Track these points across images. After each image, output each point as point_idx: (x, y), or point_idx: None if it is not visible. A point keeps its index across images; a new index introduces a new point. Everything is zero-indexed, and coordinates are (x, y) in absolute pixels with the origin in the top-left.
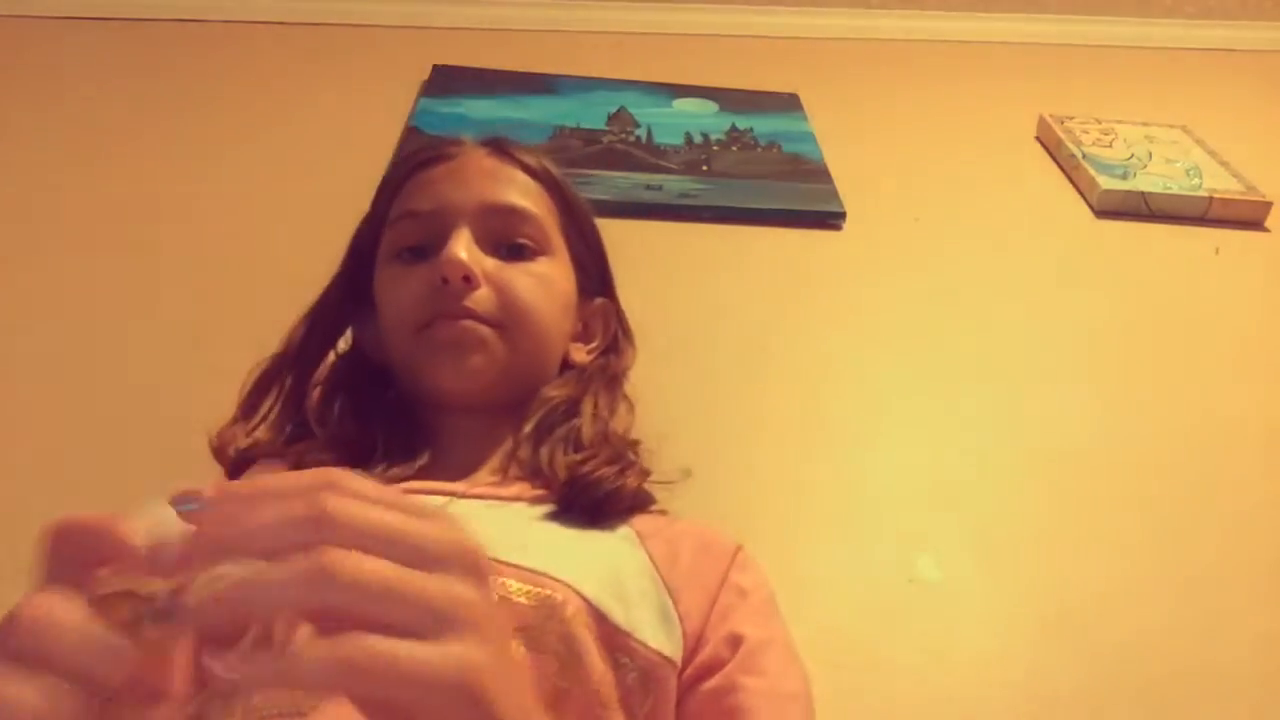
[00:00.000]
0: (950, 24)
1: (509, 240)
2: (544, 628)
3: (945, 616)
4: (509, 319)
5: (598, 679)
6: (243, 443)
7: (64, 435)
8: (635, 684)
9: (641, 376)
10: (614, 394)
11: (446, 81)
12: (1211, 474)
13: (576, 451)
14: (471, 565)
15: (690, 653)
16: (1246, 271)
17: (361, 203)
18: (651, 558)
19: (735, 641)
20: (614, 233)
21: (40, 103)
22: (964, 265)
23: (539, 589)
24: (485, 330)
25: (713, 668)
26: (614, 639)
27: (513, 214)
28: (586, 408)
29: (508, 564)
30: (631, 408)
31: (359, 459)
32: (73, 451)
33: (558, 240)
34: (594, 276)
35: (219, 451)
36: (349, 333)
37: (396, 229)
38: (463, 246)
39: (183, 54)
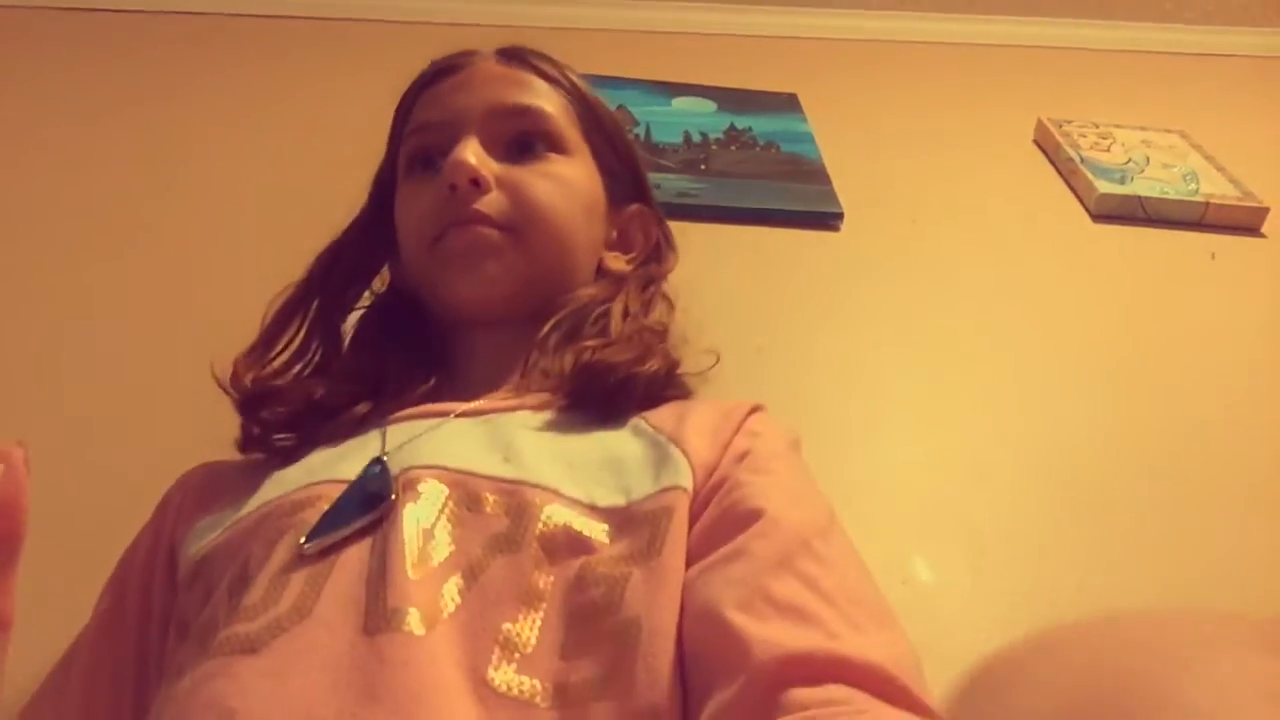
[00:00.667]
0: (949, 26)
1: (521, 142)
2: (519, 533)
3: (938, 618)
4: (523, 220)
5: (579, 568)
6: (259, 372)
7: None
8: (616, 544)
9: None
10: (649, 293)
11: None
12: (1207, 477)
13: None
14: None
15: (704, 478)
16: (1243, 277)
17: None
18: (656, 429)
19: (742, 456)
20: None
21: (35, 92)
22: (961, 267)
23: (513, 499)
24: (498, 235)
25: (720, 483)
26: (601, 518)
27: (523, 114)
28: (617, 308)
29: (485, 477)
30: (671, 306)
31: (374, 389)
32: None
33: (577, 141)
34: (626, 183)
35: (234, 380)
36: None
37: (408, 144)
38: (469, 151)
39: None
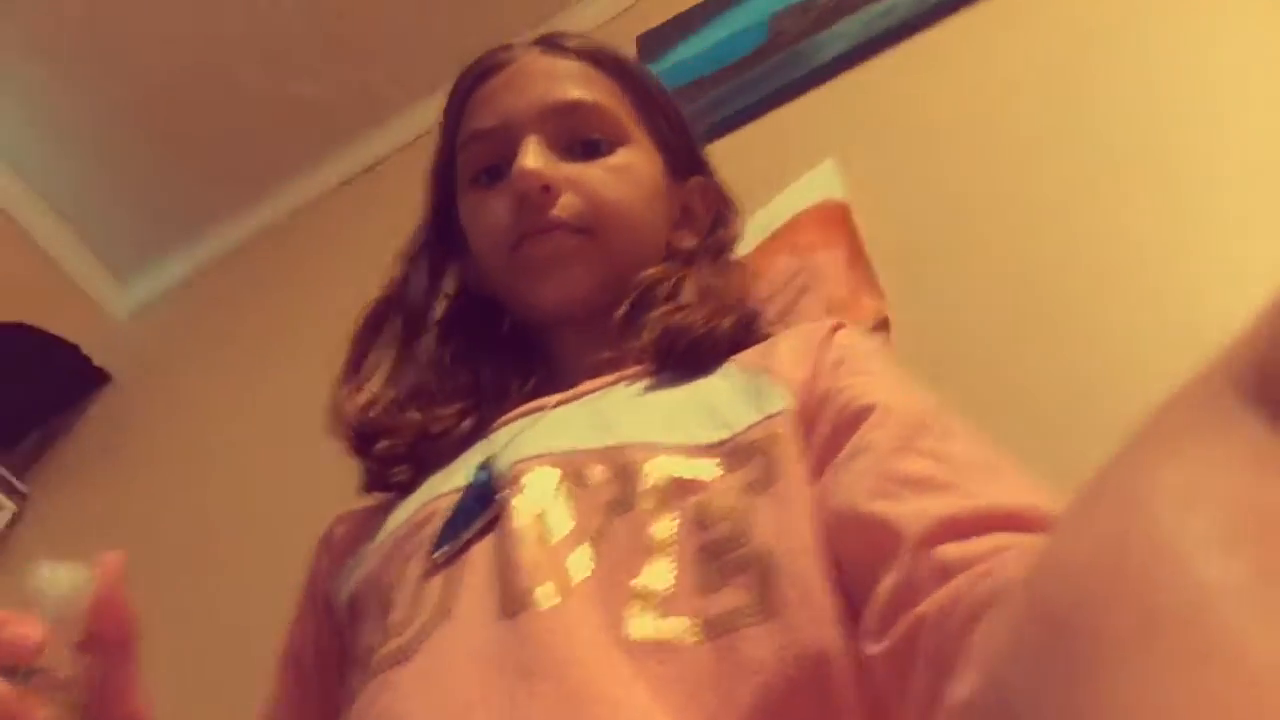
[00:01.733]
0: None
1: (581, 138)
2: (628, 493)
3: None
4: (598, 220)
5: (696, 508)
6: (359, 401)
7: None
8: (728, 477)
9: None
10: (719, 263)
11: (655, 45)
12: None
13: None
14: None
15: (804, 401)
16: None
17: None
18: (744, 367)
19: (839, 363)
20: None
21: None
22: None
23: (617, 463)
24: (576, 238)
25: (824, 396)
26: (706, 454)
27: (577, 110)
28: (689, 281)
29: (588, 450)
30: (745, 269)
31: (475, 402)
32: None
33: (632, 125)
34: (682, 155)
35: (335, 411)
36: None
37: (467, 153)
38: (533, 156)
39: None
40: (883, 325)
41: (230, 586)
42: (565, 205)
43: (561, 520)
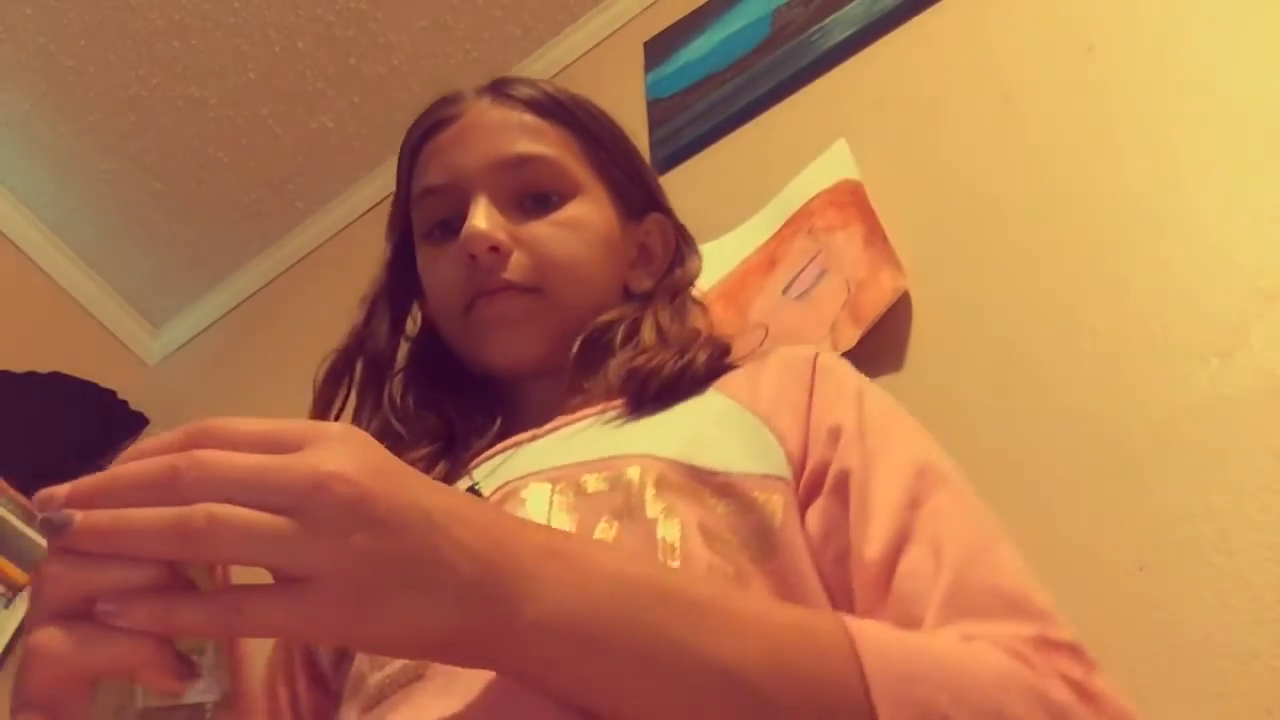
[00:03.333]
0: None
1: (530, 192)
2: (631, 501)
3: None
4: (547, 278)
5: (699, 522)
6: None
7: None
8: (728, 516)
9: None
10: (679, 302)
11: (661, 49)
12: None
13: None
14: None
15: (800, 467)
16: None
17: None
18: (734, 399)
19: (835, 434)
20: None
21: None
22: None
23: (611, 471)
24: (527, 299)
25: (819, 469)
26: (703, 480)
27: (525, 165)
28: (647, 322)
29: (580, 464)
30: (705, 309)
31: (445, 444)
32: None
33: (583, 173)
34: (637, 195)
35: None
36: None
37: (420, 208)
38: (482, 216)
39: None
40: (903, 300)
41: None
42: (515, 265)
43: (559, 525)
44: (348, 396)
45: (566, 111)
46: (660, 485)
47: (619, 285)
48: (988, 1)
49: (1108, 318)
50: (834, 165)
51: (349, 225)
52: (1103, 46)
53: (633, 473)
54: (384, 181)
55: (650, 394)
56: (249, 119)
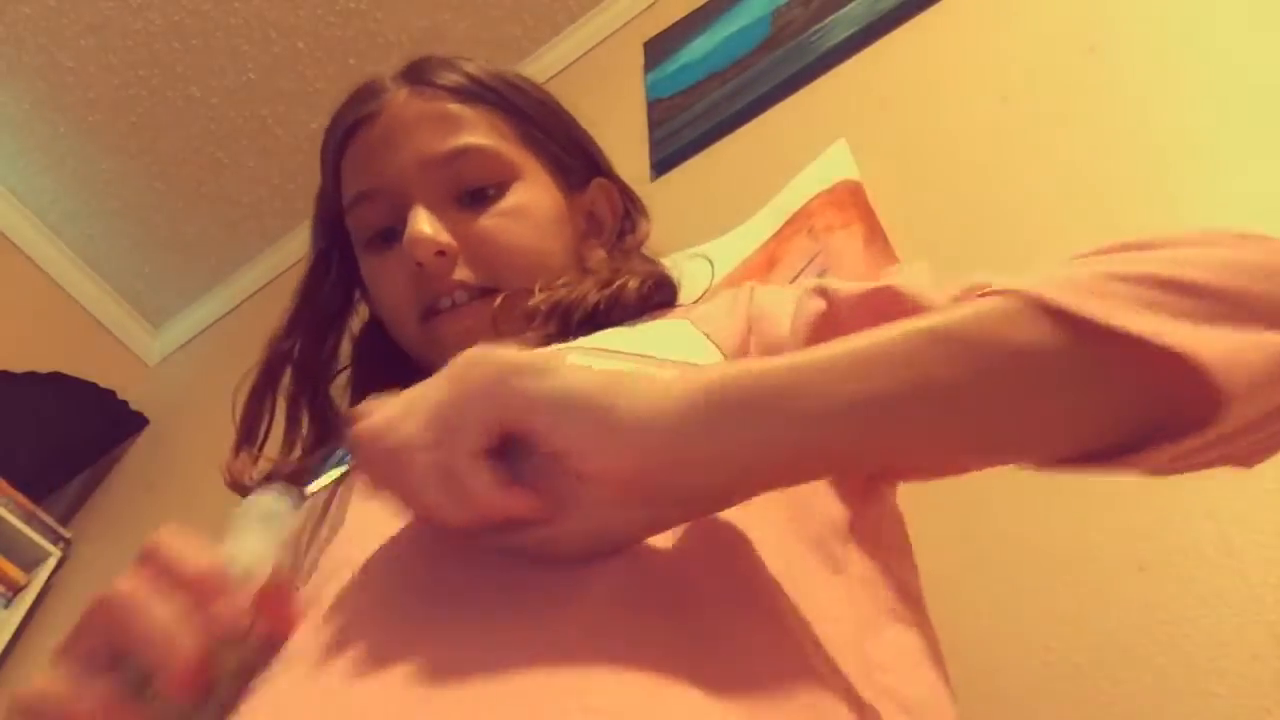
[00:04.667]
0: None
1: (467, 186)
2: None
3: None
4: (500, 274)
5: None
6: (257, 473)
7: None
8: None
9: None
10: (626, 258)
11: (661, 49)
12: None
13: None
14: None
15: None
16: None
17: None
18: (694, 323)
19: (762, 316)
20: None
21: None
22: None
23: None
24: (485, 305)
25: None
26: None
27: (457, 159)
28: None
29: None
30: (655, 262)
31: None
32: None
33: (518, 155)
34: (577, 164)
35: (234, 484)
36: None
37: (355, 215)
38: (423, 220)
39: None
40: None
41: None
42: (464, 265)
43: None
44: (274, 411)
45: (491, 92)
46: None
47: (574, 261)
48: (988, 2)
49: None
50: (834, 165)
51: None
52: (1105, 47)
53: None
54: None
55: (574, 324)
56: (249, 119)
